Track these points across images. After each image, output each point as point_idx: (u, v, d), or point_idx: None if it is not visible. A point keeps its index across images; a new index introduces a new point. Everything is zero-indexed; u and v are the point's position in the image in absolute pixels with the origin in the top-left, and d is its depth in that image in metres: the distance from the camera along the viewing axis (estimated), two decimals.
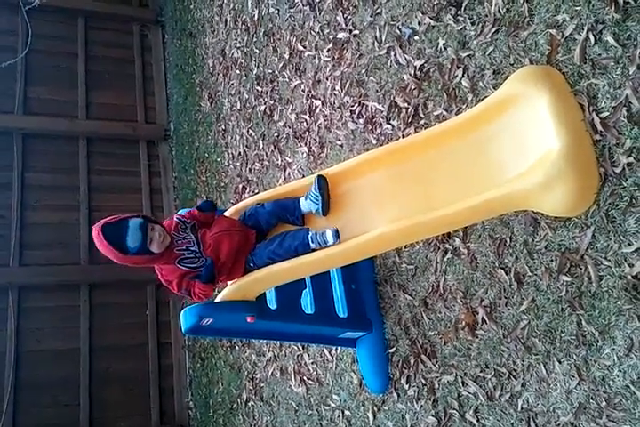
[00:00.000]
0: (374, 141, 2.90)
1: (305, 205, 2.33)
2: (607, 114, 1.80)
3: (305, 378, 3.36)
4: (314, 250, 2.19)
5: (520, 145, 1.92)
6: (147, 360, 5.38)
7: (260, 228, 2.40)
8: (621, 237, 1.76)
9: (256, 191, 4.20)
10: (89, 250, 5.43)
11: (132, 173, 6.04)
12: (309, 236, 2.19)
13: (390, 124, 2.79)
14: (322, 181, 2.30)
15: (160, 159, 6.26)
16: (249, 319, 2.23)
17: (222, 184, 4.85)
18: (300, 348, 3.42)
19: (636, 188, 1.73)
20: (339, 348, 3.03)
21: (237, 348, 4.33)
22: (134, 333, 5.41)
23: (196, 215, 2.39)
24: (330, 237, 2.16)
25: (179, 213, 2.46)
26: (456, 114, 2.38)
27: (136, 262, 2.15)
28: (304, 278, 2.60)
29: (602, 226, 1.81)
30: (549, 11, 2.01)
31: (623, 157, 1.76)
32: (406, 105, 2.70)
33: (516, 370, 2.06)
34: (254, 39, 4.41)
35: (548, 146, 1.79)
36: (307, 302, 2.60)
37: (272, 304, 2.47)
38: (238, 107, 4.65)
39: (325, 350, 3.16)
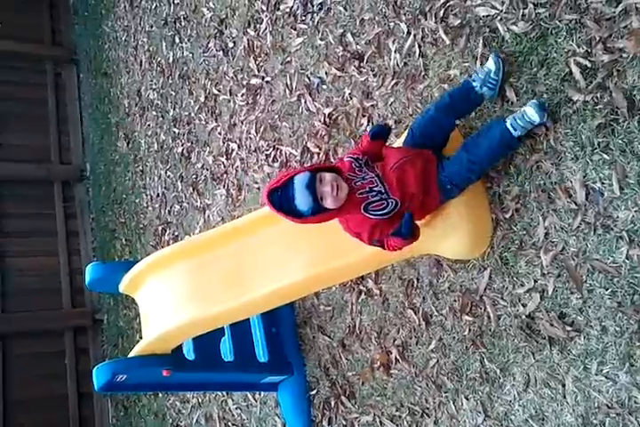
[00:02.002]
0: None
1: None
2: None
3: (230, 424, 3.33)
4: (519, 139, 1.83)
5: None
6: (67, 411, 5.15)
7: (436, 140, 1.95)
8: (514, 279, 1.90)
9: (176, 234, 4.18)
10: (2, 298, 5.20)
11: (47, 215, 5.85)
12: (508, 124, 1.80)
13: None
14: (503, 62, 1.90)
15: (76, 201, 6.09)
16: (165, 373, 2.20)
17: (141, 226, 4.79)
18: (224, 393, 3.40)
19: (524, 232, 1.87)
20: (262, 392, 3.03)
21: (161, 395, 4.24)
22: (53, 383, 5.17)
23: (366, 148, 1.94)
24: (535, 115, 1.75)
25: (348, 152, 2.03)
26: None
27: (317, 221, 1.81)
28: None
29: (497, 268, 1.95)
30: (442, 66, 2.17)
31: (512, 203, 1.91)
32: (318, 150, 2.80)
33: (428, 408, 2.14)
34: (170, 81, 4.44)
35: None
36: (226, 350, 2.60)
37: (190, 355, 2.46)
38: (155, 148, 4.64)
39: (249, 395, 3.16)
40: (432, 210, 1.93)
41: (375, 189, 1.83)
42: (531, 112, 1.76)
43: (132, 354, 2.30)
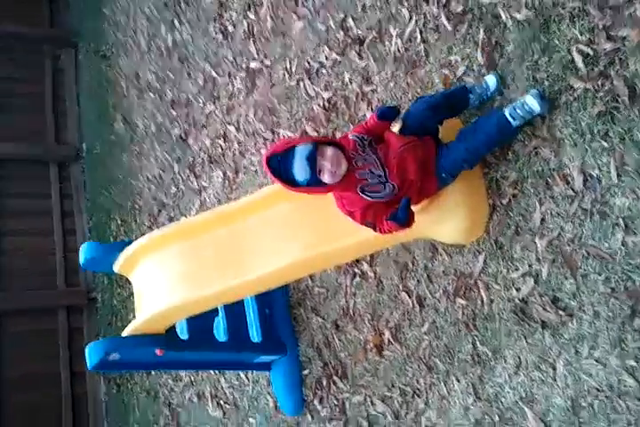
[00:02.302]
0: None
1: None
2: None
3: (222, 402, 3.37)
4: (518, 128, 1.84)
5: None
6: (59, 390, 5.16)
7: (428, 130, 1.93)
8: (509, 263, 1.92)
9: (172, 215, 4.18)
10: None
11: (43, 195, 5.82)
12: (507, 113, 1.80)
13: None
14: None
15: (72, 181, 6.07)
16: (158, 352, 2.22)
17: (137, 207, 4.79)
18: (217, 372, 3.43)
19: (520, 217, 1.90)
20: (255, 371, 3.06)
21: (154, 373, 4.26)
22: (46, 362, 5.18)
23: (372, 127, 1.91)
24: (535, 104, 1.76)
25: (354, 129, 1.99)
26: None
27: (310, 193, 1.85)
28: None
29: (492, 252, 1.97)
30: (443, 52, 2.18)
31: (509, 188, 1.93)
32: (316, 134, 2.80)
33: (419, 389, 2.18)
34: (169, 64, 4.42)
35: None
36: (219, 330, 2.62)
37: (183, 334, 2.48)
38: (153, 130, 4.62)
39: (242, 374, 3.19)
40: (429, 196, 1.95)
41: (375, 171, 1.83)
42: (531, 101, 1.77)
43: (124, 333, 2.32)
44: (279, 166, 1.74)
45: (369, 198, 1.82)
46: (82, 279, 5.63)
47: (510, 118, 1.80)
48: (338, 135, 2.66)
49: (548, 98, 1.80)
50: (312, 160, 1.72)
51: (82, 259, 2.62)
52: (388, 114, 1.89)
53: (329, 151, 1.75)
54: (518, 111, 1.79)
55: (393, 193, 1.84)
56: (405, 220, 1.76)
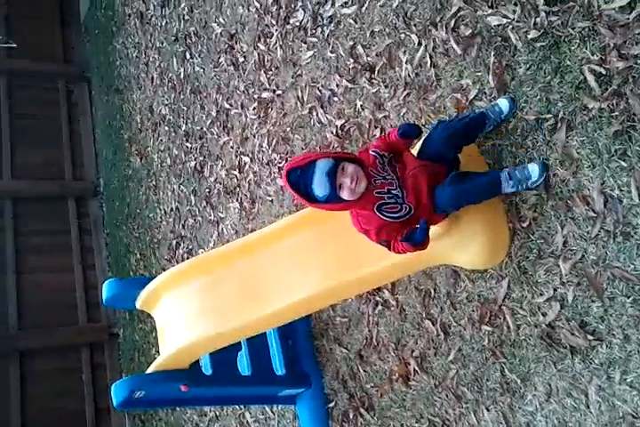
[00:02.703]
0: None
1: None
2: None
3: None
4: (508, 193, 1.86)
5: None
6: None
7: (444, 156, 1.91)
8: (534, 288, 1.88)
9: (190, 248, 4.19)
10: (18, 315, 5.22)
11: (62, 231, 5.90)
12: (505, 172, 1.83)
13: None
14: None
15: (90, 216, 6.15)
16: (183, 388, 2.20)
17: (155, 240, 4.82)
18: (242, 406, 3.39)
19: (542, 241, 1.86)
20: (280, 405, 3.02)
21: (178, 409, 4.23)
22: (70, 399, 5.18)
23: (392, 142, 1.90)
24: (536, 171, 1.81)
25: (374, 142, 1.95)
26: None
27: (329, 209, 1.83)
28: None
29: (515, 277, 1.93)
30: (454, 76, 2.17)
31: (529, 211, 1.90)
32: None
33: (448, 419, 2.13)
34: (181, 96, 4.48)
35: None
36: (243, 364, 2.60)
37: (207, 369, 2.46)
38: (168, 163, 4.67)
39: (267, 408, 3.15)
40: (437, 222, 1.92)
41: (393, 191, 1.81)
42: (532, 168, 1.82)
43: (149, 370, 2.30)
44: (299, 181, 1.71)
45: (385, 218, 1.80)
46: (103, 315, 5.66)
47: (507, 176, 1.84)
48: None
49: (548, 173, 1.83)
50: (332, 176, 1.69)
51: (104, 297, 2.62)
52: (410, 132, 1.87)
53: (350, 168, 1.72)
54: (517, 173, 1.83)
55: (409, 215, 1.82)
56: (421, 241, 1.72)
